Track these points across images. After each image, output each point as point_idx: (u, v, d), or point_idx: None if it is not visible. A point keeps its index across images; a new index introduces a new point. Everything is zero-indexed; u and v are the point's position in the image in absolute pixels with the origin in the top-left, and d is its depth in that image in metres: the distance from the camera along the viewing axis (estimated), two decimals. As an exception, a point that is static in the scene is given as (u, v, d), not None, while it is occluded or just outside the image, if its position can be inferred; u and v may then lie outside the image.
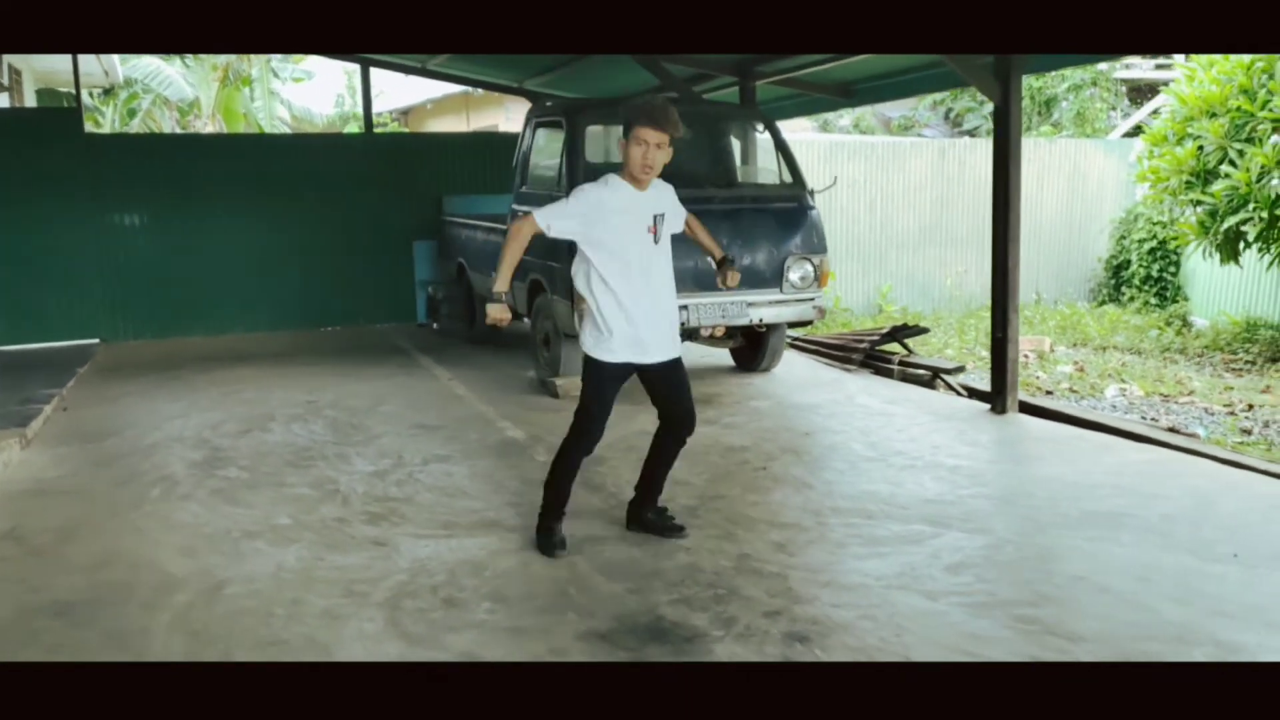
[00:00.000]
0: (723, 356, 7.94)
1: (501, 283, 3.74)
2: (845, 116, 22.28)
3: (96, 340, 9.25)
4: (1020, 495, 4.61)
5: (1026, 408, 6.41)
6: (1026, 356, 9.15)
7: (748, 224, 6.63)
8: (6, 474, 5.01)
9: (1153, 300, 12.78)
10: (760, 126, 7.23)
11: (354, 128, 21.01)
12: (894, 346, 8.15)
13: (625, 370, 3.78)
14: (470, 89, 17.84)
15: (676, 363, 3.85)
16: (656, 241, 3.76)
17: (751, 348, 7.44)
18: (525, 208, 7.07)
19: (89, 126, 14.78)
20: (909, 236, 13.25)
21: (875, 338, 7.94)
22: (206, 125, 16.06)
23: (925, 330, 8.38)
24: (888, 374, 7.62)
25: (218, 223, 9.69)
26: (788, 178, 6.96)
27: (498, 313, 3.77)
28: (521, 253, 3.74)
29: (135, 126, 15.20)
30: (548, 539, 3.88)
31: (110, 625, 3.35)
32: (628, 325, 3.68)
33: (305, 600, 3.49)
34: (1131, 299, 13.02)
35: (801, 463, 5.19)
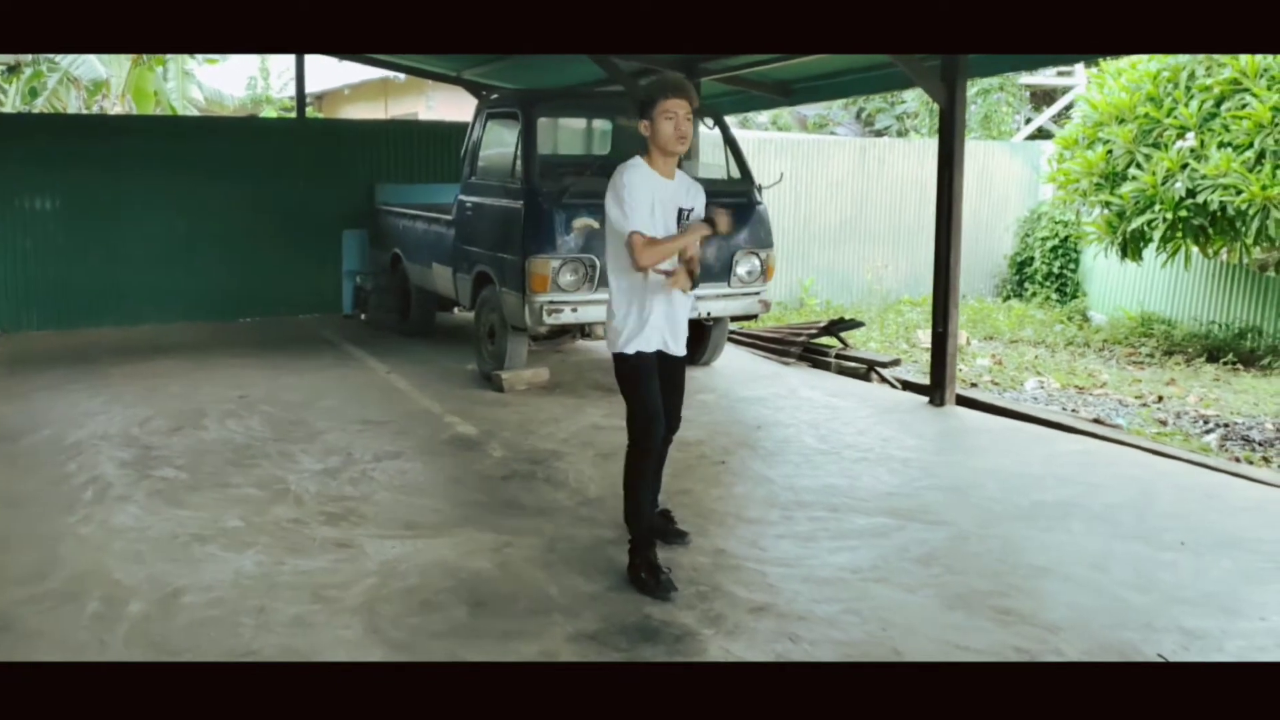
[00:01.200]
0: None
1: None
2: (764, 114, 22.58)
3: (-3, 331, 8.69)
4: (972, 487, 4.73)
5: (961, 400, 6.60)
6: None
7: (697, 218, 6.62)
8: (-79, 476, 4.66)
9: (1053, 296, 13.34)
10: (710, 122, 7.24)
11: (269, 112, 20.22)
12: (829, 339, 8.28)
13: (655, 359, 3.58)
14: (390, 75, 17.40)
15: (681, 362, 3.74)
16: None
17: (694, 341, 7.38)
18: (474, 198, 6.96)
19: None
20: (830, 231, 13.51)
21: (812, 331, 8.06)
22: (115, 106, 15.21)
23: (861, 324, 8.55)
24: (825, 367, 7.75)
25: (133, 208, 9.17)
26: (736, 174, 6.99)
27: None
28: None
29: (40, 106, 14.28)
30: (654, 578, 3.47)
31: (62, 638, 3.15)
32: (666, 308, 3.53)
33: (272, 608, 3.35)
34: (1034, 294, 13.55)
35: (757, 456, 5.23)
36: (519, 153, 6.31)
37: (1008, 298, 13.89)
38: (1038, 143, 15.56)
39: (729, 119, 7.36)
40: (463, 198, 7.09)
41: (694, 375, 7.21)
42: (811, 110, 22.11)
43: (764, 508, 4.40)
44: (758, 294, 6.78)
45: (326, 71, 18.70)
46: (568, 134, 7.34)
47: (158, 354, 7.85)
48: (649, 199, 3.44)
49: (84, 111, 14.62)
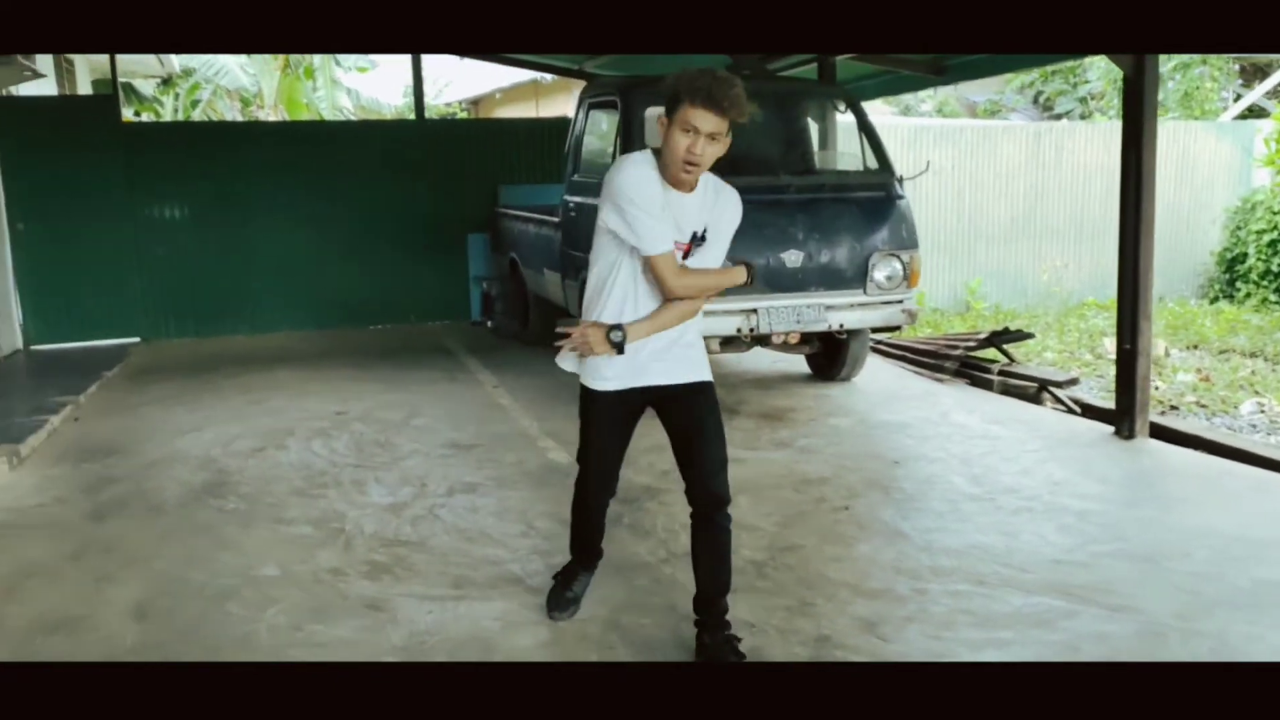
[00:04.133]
0: (798, 363, 7.11)
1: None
2: (927, 101, 21.12)
3: (137, 339, 8.79)
4: (1171, 555, 3.70)
5: (1157, 430, 5.45)
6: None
7: (827, 216, 5.79)
8: (-22, 502, 4.45)
9: (1272, 297, 11.54)
10: (842, 106, 6.35)
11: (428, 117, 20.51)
12: (993, 353, 7.20)
13: (623, 400, 2.84)
14: (539, 76, 17.18)
15: (696, 396, 2.86)
16: (684, 258, 2.77)
17: (830, 354, 6.59)
18: (578, 198, 6.34)
19: (147, 117, 14.52)
20: (1000, 228, 12.23)
21: (971, 343, 7.01)
22: (269, 116, 15.65)
23: (1029, 336, 7.41)
24: (986, 385, 6.69)
25: (262, 215, 9.15)
26: (873, 163, 6.08)
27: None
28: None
29: (197, 117, 14.83)
30: (557, 593, 3.23)
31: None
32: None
33: (271, 689, 2.80)
34: (1248, 295, 11.79)
35: (891, 502, 4.34)
36: (618, 146, 5.62)
37: (1215, 299, 12.16)
38: (1250, 122, 13.59)
39: (875, 105, 6.47)
40: (567, 198, 6.47)
41: (829, 394, 6.36)
42: (981, 95, 20.45)
43: (890, 575, 3.54)
44: (900, 302, 5.84)
45: (479, 76, 18.74)
46: (656, 121, 6.61)
47: (276, 364, 7.67)
48: (660, 203, 2.68)
49: (209, 119, 14.95)
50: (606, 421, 2.90)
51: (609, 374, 2.81)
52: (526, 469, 4.88)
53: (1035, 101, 20.85)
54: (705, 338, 5.68)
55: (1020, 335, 7.19)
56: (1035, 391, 6.45)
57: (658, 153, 2.72)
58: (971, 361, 6.93)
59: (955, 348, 6.98)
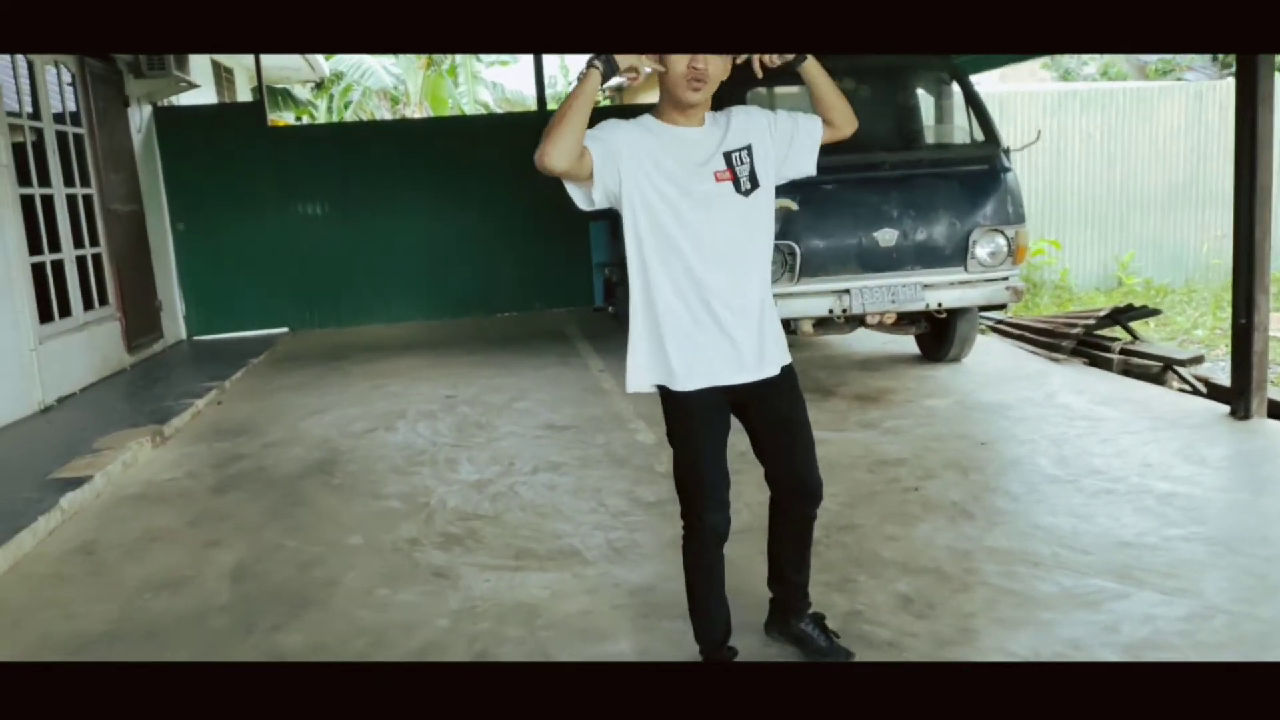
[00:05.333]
0: (907, 344, 6.99)
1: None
2: (1090, 64, 19.91)
3: (285, 330, 9.56)
4: (1250, 540, 3.48)
5: (1277, 410, 5.07)
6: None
7: (924, 192, 5.68)
8: (124, 475, 5.01)
9: None
10: (946, 77, 6.19)
11: (561, 107, 21.03)
12: (1118, 331, 6.84)
13: (714, 397, 2.53)
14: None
15: (781, 385, 2.60)
16: (742, 191, 2.49)
17: (937, 335, 6.45)
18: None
19: (305, 120, 15.61)
20: (1156, 196, 11.49)
21: (1091, 321, 6.68)
22: (415, 113, 16.52)
23: (1155, 312, 6.98)
24: (1106, 365, 6.38)
25: (397, 210, 9.77)
26: (980, 136, 5.91)
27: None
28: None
29: (350, 117, 15.83)
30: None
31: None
32: (695, 330, 2.49)
33: (326, 646, 3.09)
34: None
35: (966, 483, 4.26)
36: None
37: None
38: None
39: (1026, 68, 6.22)
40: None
41: (934, 375, 6.24)
42: (1153, 55, 19.06)
43: (944, 555, 3.50)
44: (1005, 279, 5.66)
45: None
46: (781, 105, 6.59)
47: (403, 352, 8.19)
48: (636, 149, 2.45)
49: (360, 119, 15.80)
50: (698, 424, 2.55)
51: (685, 368, 2.49)
52: (611, 449, 5.05)
53: (1214, 58, 19.27)
54: (797, 320, 5.77)
55: (1145, 311, 6.79)
56: (1159, 371, 6.09)
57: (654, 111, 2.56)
58: (1092, 340, 6.61)
59: (1074, 325, 6.67)
